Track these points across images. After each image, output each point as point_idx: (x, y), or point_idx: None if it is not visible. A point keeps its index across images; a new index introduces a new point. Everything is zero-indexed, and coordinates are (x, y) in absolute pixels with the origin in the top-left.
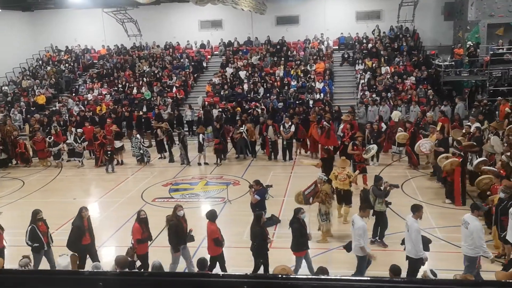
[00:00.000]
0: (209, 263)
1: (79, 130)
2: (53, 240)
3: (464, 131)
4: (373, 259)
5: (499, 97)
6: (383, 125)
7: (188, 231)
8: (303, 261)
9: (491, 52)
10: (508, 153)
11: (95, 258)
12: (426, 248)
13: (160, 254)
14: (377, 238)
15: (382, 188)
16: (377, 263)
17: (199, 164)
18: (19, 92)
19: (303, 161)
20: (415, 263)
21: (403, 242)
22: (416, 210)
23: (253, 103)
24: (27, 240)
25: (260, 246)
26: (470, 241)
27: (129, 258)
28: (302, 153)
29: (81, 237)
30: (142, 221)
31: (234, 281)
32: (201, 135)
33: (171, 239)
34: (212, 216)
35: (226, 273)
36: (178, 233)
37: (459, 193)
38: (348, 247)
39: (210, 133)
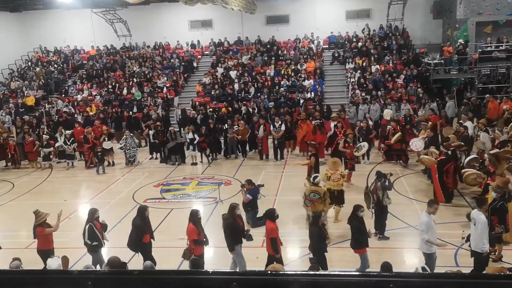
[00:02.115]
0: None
1: (67, 131)
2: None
3: (455, 129)
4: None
5: (488, 95)
6: (370, 122)
7: (245, 231)
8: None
9: (480, 50)
10: (492, 151)
11: (152, 258)
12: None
13: (154, 254)
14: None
15: (387, 182)
16: (370, 261)
17: (192, 164)
18: (7, 93)
19: (292, 163)
20: (480, 257)
21: (468, 239)
22: (482, 203)
23: (243, 103)
24: (87, 239)
25: (317, 246)
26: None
27: (186, 258)
28: (293, 152)
29: (143, 236)
30: (198, 222)
31: (223, 278)
32: (189, 135)
33: (228, 237)
34: (271, 215)
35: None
36: (235, 232)
37: (439, 189)
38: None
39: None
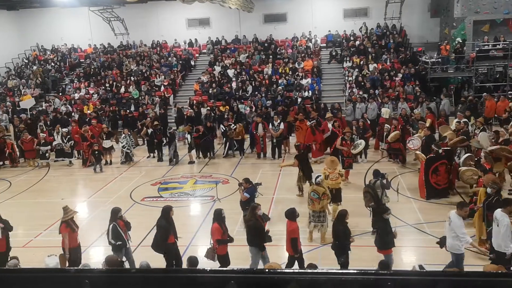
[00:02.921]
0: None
1: (64, 129)
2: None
3: (454, 127)
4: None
5: (485, 93)
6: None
7: (265, 231)
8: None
9: (477, 49)
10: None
11: (179, 259)
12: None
13: (149, 254)
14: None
15: (385, 181)
16: (366, 259)
17: (190, 162)
18: (4, 92)
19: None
20: (503, 257)
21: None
22: (508, 204)
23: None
24: (111, 239)
25: (342, 245)
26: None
27: (208, 257)
28: (291, 151)
29: (167, 236)
30: (222, 221)
31: (221, 276)
32: (188, 134)
33: (254, 239)
34: (291, 214)
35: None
36: (261, 232)
37: (422, 185)
38: (442, 243)
39: (181, 132)
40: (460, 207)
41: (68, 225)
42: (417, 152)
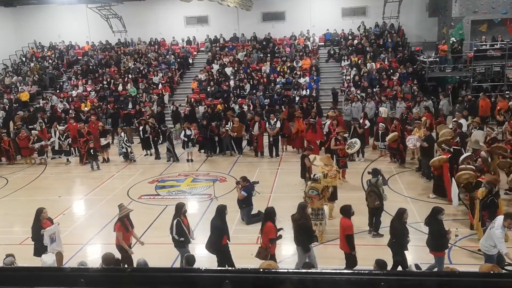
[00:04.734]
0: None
1: (60, 127)
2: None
3: (451, 126)
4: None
5: (481, 93)
6: (367, 122)
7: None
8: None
9: (475, 48)
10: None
11: (231, 260)
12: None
13: (146, 251)
14: (372, 229)
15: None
16: (362, 257)
17: (188, 160)
18: (1, 89)
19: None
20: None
21: None
22: (509, 217)
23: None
24: (174, 235)
25: (399, 243)
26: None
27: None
28: (289, 149)
29: (222, 237)
30: (275, 220)
31: (216, 275)
32: (184, 132)
33: (302, 239)
34: (347, 212)
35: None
36: (309, 232)
37: (450, 188)
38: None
39: (178, 130)
40: (506, 218)
41: (123, 224)
42: (434, 160)
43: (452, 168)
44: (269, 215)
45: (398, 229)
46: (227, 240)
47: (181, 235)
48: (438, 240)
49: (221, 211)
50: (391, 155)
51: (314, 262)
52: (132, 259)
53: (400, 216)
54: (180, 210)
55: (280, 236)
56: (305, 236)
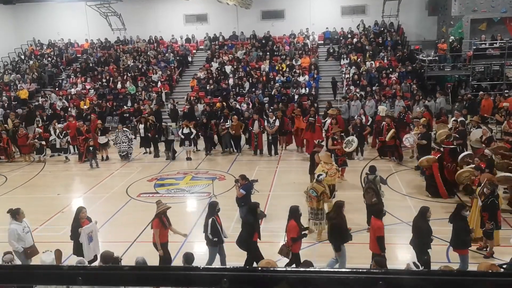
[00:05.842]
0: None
1: (59, 125)
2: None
3: (451, 125)
4: None
5: (481, 92)
6: (369, 118)
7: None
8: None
9: (474, 47)
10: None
11: (260, 258)
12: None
13: (145, 249)
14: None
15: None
16: (358, 256)
17: (188, 159)
18: (0, 86)
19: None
20: None
21: None
22: None
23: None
24: (209, 233)
25: (424, 242)
26: None
27: (283, 254)
28: (288, 148)
29: (253, 233)
30: (299, 218)
31: (214, 274)
32: (182, 129)
33: (335, 238)
34: (378, 212)
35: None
36: (344, 232)
37: (442, 186)
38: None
39: (175, 128)
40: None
41: (161, 221)
42: (422, 159)
43: (442, 167)
44: (292, 213)
45: (422, 228)
46: (258, 238)
47: (215, 235)
48: (462, 237)
49: (253, 208)
50: (389, 153)
51: (343, 262)
52: (170, 258)
53: (424, 214)
54: (214, 208)
55: (305, 235)
56: (337, 235)
